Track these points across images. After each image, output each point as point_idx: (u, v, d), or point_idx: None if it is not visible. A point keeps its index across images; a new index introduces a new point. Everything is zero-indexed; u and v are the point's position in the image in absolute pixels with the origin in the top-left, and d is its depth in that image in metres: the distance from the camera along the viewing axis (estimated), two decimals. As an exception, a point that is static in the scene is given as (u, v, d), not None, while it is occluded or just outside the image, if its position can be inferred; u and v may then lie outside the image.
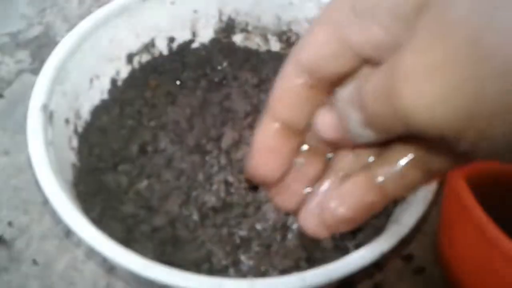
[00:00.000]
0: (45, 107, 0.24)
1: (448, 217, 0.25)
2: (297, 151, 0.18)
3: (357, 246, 0.24)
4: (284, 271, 0.23)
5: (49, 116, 0.24)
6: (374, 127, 0.16)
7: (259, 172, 0.18)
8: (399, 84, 0.14)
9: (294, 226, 0.25)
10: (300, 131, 0.18)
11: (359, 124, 0.17)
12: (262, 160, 0.18)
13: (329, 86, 0.18)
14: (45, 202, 0.30)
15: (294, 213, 0.18)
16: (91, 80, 0.28)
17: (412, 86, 0.14)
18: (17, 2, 0.40)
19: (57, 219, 0.29)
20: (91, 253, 0.28)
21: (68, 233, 0.29)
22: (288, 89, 0.18)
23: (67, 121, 0.26)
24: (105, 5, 0.28)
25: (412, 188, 0.17)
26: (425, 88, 0.14)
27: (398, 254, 0.28)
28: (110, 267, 0.27)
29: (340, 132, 0.17)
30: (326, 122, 0.18)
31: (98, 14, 0.28)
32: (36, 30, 0.39)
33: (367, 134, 0.17)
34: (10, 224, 0.29)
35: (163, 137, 0.27)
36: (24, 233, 0.29)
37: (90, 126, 0.28)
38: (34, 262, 0.28)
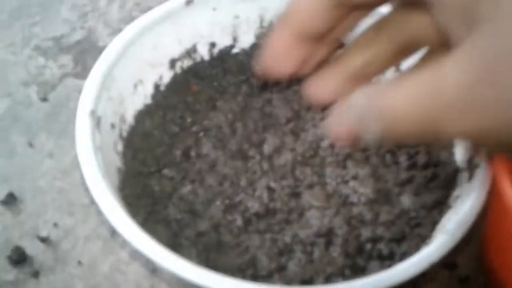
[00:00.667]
0: (93, 113, 0.25)
1: (496, 224, 0.25)
2: (316, 51, 0.20)
3: (403, 255, 0.24)
4: (329, 279, 0.23)
5: (97, 121, 0.25)
6: (396, 140, 0.18)
7: (271, 72, 0.20)
8: (444, 114, 0.15)
9: (338, 232, 0.25)
10: (319, 36, 0.19)
11: (377, 134, 0.17)
12: (274, 62, 0.20)
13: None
14: (90, 204, 0.30)
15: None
16: (135, 85, 0.28)
17: (461, 118, 0.15)
18: (59, 7, 0.41)
19: (101, 221, 0.30)
20: (135, 254, 0.28)
21: (112, 235, 0.29)
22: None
23: (112, 125, 0.27)
24: (149, 12, 0.29)
25: None
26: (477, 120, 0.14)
27: (442, 263, 0.28)
28: (153, 269, 0.28)
29: (353, 136, 0.18)
30: (340, 128, 0.18)
31: (143, 20, 0.28)
32: (78, 35, 0.39)
33: (383, 142, 0.18)
34: (55, 225, 0.30)
35: (206, 142, 0.28)
36: (70, 234, 0.30)
37: (134, 131, 0.28)
38: (79, 263, 0.29)
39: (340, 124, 0.18)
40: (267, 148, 0.27)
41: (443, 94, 0.15)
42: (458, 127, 0.15)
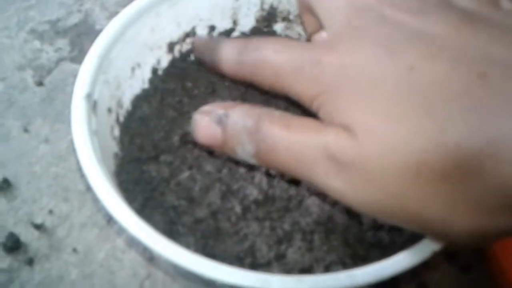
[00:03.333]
0: (89, 96, 0.24)
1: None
2: None
3: (404, 244, 0.23)
4: (329, 267, 0.23)
5: (93, 105, 0.24)
6: (266, 164, 0.21)
7: None
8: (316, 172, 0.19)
9: (339, 220, 0.24)
10: None
11: (250, 154, 0.20)
12: None
13: None
14: (86, 190, 0.30)
15: None
16: (133, 69, 0.28)
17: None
18: (56, -10, 0.40)
19: (97, 208, 0.29)
20: (132, 242, 0.28)
21: (108, 222, 0.29)
22: None
23: (109, 110, 0.26)
24: (147, -7, 0.28)
25: None
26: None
27: (443, 252, 0.27)
28: (150, 257, 0.27)
29: (219, 146, 0.21)
30: (206, 132, 0.22)
31: (141, 2, 0.27)
32: (75, 18, 0.39)
33: (253, 162, 0.21)
34: (50, 212, 0.29)
35: (204, 128, 0.27)
36: (65, 221, 0.29)
37: (131, 116, 0.27)
38: (75, 250, 0.28)
39: (211, 126, 0.21)
40: (266, 134, 0.27)
41: (319, 159, 0.18)
42: (328, 187, 0.19)
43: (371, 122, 0.17)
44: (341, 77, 0.19)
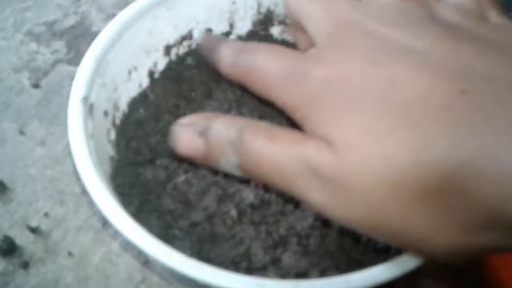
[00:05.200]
0: (85, 99, 0.24)
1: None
2: None
3: (399, 248, 0.23)
4: (324, 272, 0.23)
5: (89, 108, 0.24)
6: (249, 176, 0.20)
7: None
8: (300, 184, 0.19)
9: (334, 225, 0.24)
10: None
11: (234, 165, 0.20)
12: None
13: None
14: (81, 193, 0.30)
15: None
16: (130, 72, 0.28)
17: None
18: (52, -8, 0.40)
19: (93, 211, 0.29)
20: (127, 245, 0.28)
21: (104, 225, 0.29)
22: None
23: (106, 113, 0.26)
24: (144, -4, 0.28)
25: None
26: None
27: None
28: (145, 260, 0.27)
29: (201, 158, 0.21)
30: (188, 144, 0.21)
31: (138, 4, 0.27)
32: (71, 20, 0.39)
33: (237, 173, 0.21)
34: (46, 215, 0.29)
35: (201, 131, 0.27)
36: (60, 224, 0.29)
37: (127, 119, 0.27)
38: (70, 254, 0.28)
39: (192, 138, 0.21)
40: (263, 138, 0.27)
41: (300, 172, 0.18)
42: (310, 200, 0.19)
43: (351, 135, 0.17)
44: (326, 90, 0.19)
